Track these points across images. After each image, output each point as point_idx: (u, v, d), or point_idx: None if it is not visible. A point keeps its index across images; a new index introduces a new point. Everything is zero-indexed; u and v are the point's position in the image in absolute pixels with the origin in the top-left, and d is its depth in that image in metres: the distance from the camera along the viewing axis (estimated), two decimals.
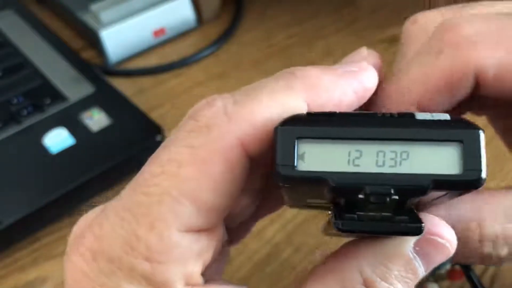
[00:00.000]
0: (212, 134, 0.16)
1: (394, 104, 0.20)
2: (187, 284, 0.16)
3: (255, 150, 0.17)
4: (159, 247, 0.16)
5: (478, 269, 0.38)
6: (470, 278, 0.34)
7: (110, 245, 0.16)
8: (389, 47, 0.56)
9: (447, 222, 0.18)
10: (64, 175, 0.40)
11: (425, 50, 0.20)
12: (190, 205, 0.16)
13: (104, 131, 0.44)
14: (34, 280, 0.37)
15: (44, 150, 0.42)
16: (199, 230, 0.17)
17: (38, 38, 0.53)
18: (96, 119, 0.45)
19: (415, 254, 0.18)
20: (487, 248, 0.19)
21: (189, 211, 0.16)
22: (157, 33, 0.56)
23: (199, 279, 0.17)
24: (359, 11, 0.62)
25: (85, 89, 0.48)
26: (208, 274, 0.18)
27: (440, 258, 0.18)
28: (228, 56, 0.56)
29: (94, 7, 0.54)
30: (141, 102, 0.47)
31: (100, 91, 0.48)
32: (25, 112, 0.45)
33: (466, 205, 0.19)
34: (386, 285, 0.17)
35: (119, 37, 0.54)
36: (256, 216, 0.23)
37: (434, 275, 0.34)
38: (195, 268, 0.17)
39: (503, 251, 0.19)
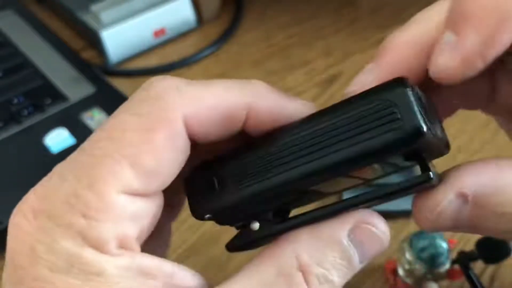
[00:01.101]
0: (159, 104, 0.17)
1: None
2: (120, 246, 0.17)
3: (196, 130, 0.18)
4: (96, 205, 0.16)
5: (477, 268, 0.38)
6: (469, 277, 0.34)
7: (50, 203, 0.17)
8: None
9: (486, 189, 0.18)
10: None
11: None
12: (129, 168, 0.17)
13: None
14: None
15: (44, 150, 0.42)
16: (136, 194, 0.17)
17: (39, 38, 0.53)
18: (96, 119, 0.45)
19: (349, 242, 0.18)
20: None
21: (128, 174, 0.17)
22: (157, 33, 0.56)
23: (133, 242, 0.17)
24: (359, 11, 0.62)
25: (86, 89, 0.48)
26: (148, 249, 0.18)
27: (373, 248, 0.19)
28: (228, 56, 0.56)
29: (94, 7, 0.55)
30: None
31: (100, 91, 0.48)
32: (25, 112, 0.45)
33: (503, 172, 0.18)
34: (322, 270, 0.18)
35: (119, 37, 0.54)
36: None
37: (433, 274, 0.34)
38: (130, 231, 0.17)
39: None
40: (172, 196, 0.22)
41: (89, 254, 0.16)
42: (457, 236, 0.41)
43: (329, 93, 0.52)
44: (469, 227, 0.19)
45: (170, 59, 0.56)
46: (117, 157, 0.17)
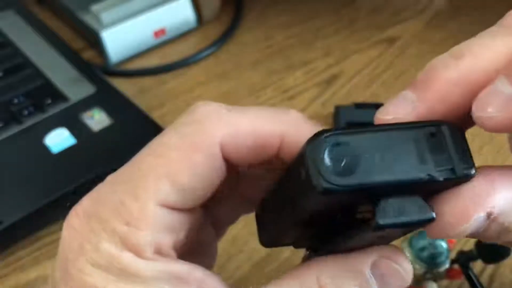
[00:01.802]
0: (200, 128, 0.19)
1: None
2: (156, 252, 0.19)
3: (231, 154, 0.19)
4: (138, 215, 0.18)
5: (477, 268, 0.38)
6: (468, 277, 0.34)
7: (101, 208, 0.19)
8: (388, 48, 0.57)
9: (508, 207, 0.17)
10: (65, 175, 0.41)
11: None
12: (169, 183, 0.19)
13: (105, 131, 0.44)
14: (35, 280, 0.38)
15: (45, 150, 0.42)
16: (173, 207, 0.19)
17: (39, 38, 0.53)
18: (97, 119, 0.45)
19: (371, 274, 0.19)
20: None
21: (167, 189, 0.19)
22: (157, 33, 0.56)
23: (169, 250, 0.19)
24: (359, 12, 0.62)
25: (86, 89, 0.48)
26: (194, 262, 0.20)
27: (395, 283, 0.20)
28: (228, 56, 0.56)
29: (94, 7, 0.55)
30: (142, 102, 0.48)
31: (101, 91, 0.48)
32: (26, 112, 0.45)
33: None
34: None
35: (119, 38, 0.54)
36: (232, 218, 0.26)
37: (433, 274, 0.34)
38: (165, 240, 0.19)
39: None
40: (215, 217, 0.25)
41: (127, 257, 0.18)
42: None
43: (329, 93, 0.52)
44: (483, 238, 0.19)
45: (170, 59, 0.56)
46: (159, 173, 0.19)
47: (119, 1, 0.55)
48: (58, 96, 0.47)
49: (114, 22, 0.54)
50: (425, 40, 0.56)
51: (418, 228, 0.18)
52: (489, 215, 0.17)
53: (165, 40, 0.57)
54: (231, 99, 0.51)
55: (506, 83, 0.17)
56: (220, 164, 0.20)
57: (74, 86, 0.48)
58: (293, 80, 0.53)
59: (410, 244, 0.35)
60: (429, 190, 0.18)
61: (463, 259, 0.34)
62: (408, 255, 0.34)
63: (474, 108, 0.17)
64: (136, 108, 0.46)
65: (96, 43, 0.54)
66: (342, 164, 0.16)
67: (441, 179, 0.17)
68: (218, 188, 0.21)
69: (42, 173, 0.41)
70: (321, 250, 0.21)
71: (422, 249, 0.34)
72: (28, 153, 0.42)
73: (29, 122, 0.44)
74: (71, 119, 0.45)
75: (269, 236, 0.23)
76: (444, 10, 0.61)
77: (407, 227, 0.18)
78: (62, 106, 0.46)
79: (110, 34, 0.54)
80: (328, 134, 0.17)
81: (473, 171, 0.17)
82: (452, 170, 0.17)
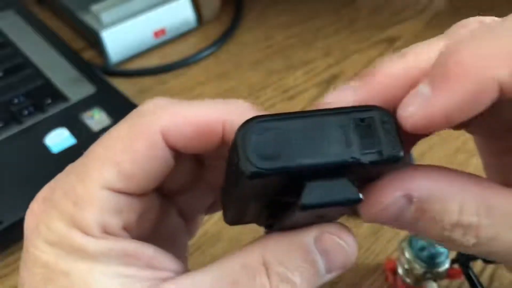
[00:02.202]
0: (143, 118, 0.21)
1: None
2: (104, 232, 0.20)
3: (175, 142, 0.21)
4: (84, 196, 0.20)
5: (476, 268, 0.38)
6: (469, 277, 0.34)
7: (55, 192, 0.21)
8: (388, 48, 0.57)
9: (431, 195, 0.18)
10: None
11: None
12: (112, 169, 0.20)
13: (105, 131, 0.43)
14: None
15: (45, 149, 0.42)
16: (118, 191, 0.20)
17: (39, 38, 0.53)
18: (97, 119, 0.45)
19: (314, 248, 0.20)
20: (456, 234, 0.19)
21: (111, 174, 0.20)
22: (157, 33, 0.56)
23: (117, 231, 0.21)
24: (359, 12, 0.62)
25: (86, 89, 0.48)
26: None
27: (340, 259, 0.20)
28: (228, 56, 0.56)
29: (94, 7, 0.55)
30: (142, 102, 0.47)
31: (101, 91, 0.48)
32: (26, 112, 0.45)
33: (454, 187, 0.19)
34: (283, 269, 0.20)
35: (119, 38, 0.54)
36: (207, 209, 0.27)
37: (433, 273, 0.34)
38: (112, 221, 0.20)
39: (469, 242, 0.19)
40: (182, 206, 0.26)
41: (75, 234, 0.20)
42: None
43: None
44: (409, 228, 0.20)
45: (170, 59, 0.56)
46: (104, 160, 0.20)
47: (119, 1, 0.55)
48: (58, 96, 0.47)
49: (114, 22, 0.54)
50: (425, 40, 0.56)
51: (348, 209, 0.20)
52: (409, 198, 0.18)
53: (165, 40, 0.57)
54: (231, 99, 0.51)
55: (427, 85, 0.18)
56: (163, 153, 0.21)
57: (74, 86, 0.48)
58: (293, 80, 0.53)
59: (410, 244, 0.35)
60: (364, 176, 0.19)
61: (463, 259, 0.34)
62: (408, 255, 0.34)
63: (398, 108, 0.18)
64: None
65: (96, 43, 0.54)
66: (270, 149, 0.17)
67: (366, 161, 0.17)
68: (180, 177, 0.23)
69: (42, 173, 0.41)
70: (274, 229, 0.22)
71: (422, 249, 0.34)
72: (28, 153, 0.42)
73: (29, 122, 0.44)
74: (71, 119, 0.45)
75: (231, 215, 0.23)
76: (444, 10, 0.61)
77: (333, 207, 0.18)
78: (62, 106, 0.46)
79: (110, 34, 0.54)
80: (257, 120, 0.17)
81: (401, 153, 0.18)
82: (380, 152, 0.18)
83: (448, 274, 0.35)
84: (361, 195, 0.18)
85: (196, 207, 0.27)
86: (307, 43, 0.58)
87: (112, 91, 0.48)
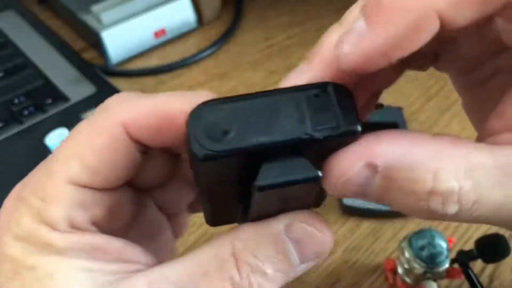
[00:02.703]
0: (105, 112, 0.21)
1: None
2: (71, 226, 0.20)
3: (137, 135, 0.20)
4: (51, 191, 0.20)
5: (476, 267, 0.38)
6: (468, 277, 0.34)
7: (24, 189, 0.21)
8: None
9: (396, 163, 0.17)
10: None
11: None
12: (76, 163, 0.20)
13: None
14: None
15: (45, 149, 0.42)
16: (84, 186, 0.20)
17: (40, 38, 0.53)
18: None
19: (286, 237, 0.19)
20: (434, 204, 0.17)
21: (75, 168, 0.20)
22: (157, 33, 0.56)
23: (85, 225, 0.21)
24: None
25: (86, 89, 0.48)
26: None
27: (313, 248, 0.20)
28: (228, 56, 0.56)
29: (95, 8, 0.55)
30: None
31: (101, 91, 0.48)
32: (26, 112, 0.45)
33: (423, 151, 0.17)
34: (254, 259, 0.19)
35: (120, 38, 0.54)
36: (191, 209, 0.27)
37: (433, 273, 0.34)
38: (79, 215, 0.20)
39: (452, 210, 0.17)
40: (161, 201, 0.26)
41: (43, 229, 0.20)
42: (456, 235, 0.41)
43: None
44: (377, 199, 0.18)
45: (170, 59, 0.56)
46: (68, 154, 0.20)
47: (120, 1, 0.55)
48: (58, 96, 0.47)
49: (114, 22, 0.54)
50: None
51: (313, 188, 0.19)
52: (373, 167, 0.17)
53: (165, 40, 0.57)
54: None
55: (362, 19, 0.16)
56: (126, 146, 0.21)
57: (74, 86, 0.48)
58: None
59: (410, 244, 0.35)
60: (321, 151, 0.18)
61: (463, 259, 0.35)
62: (408, 254, 0.35)
63: (334, 46, 0.17)
64: None
65: (96, 43, 0.55)
66: (221, 130, 0.17)
67: (321, 137, 0.17)
68: (153, 171, 0.23)
69: None
70: (248, 221, 0.21)
71: (422, 248, 0.34)
72: (29, 153, 0.42)
73: (29, 122, 0.45)
74: (71, 119, 0.45)
75: (207, 213, 0.23)
76: None
77: (292, 186, 0.17)
78: (62, 106, 0.46)
79: (110, 34, 0.54)
80: (209, 103, 0.17)
81: (358, 128, 0.17)
82: (335, 127, 0.17)
83: (448, 273, 0.35)
84: (320, 173, 0.17)
85: (175, 202, 0.26)
86: (307, 43, 0.57)
87: (112, 91, 0.48)
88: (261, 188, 0.17)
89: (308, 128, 0.17)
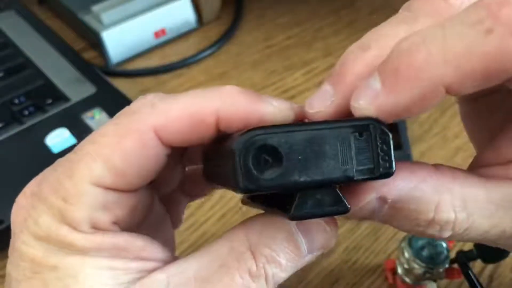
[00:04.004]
0: (133, 117, 0.21)
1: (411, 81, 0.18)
2: (93, 227, 0.20)
3: (169, 139, 0.21)
4: (73, 192, 0.20)
5: (476, 268, 0.38)
6: (468, 277, 0.34)
7: (43, 187, 0.21)
8: None
9: (405, 196, 0.19)
10: None
11: (461, 22, 0.17)
12: (102, 165, 0.20)
13: None
14: None
15: (46, 149, 0.42)
16: (108, 188, 0.20)
17: (40, 38, 0.53)
18: (97, 119, 0.45)
19: (297, 230, 0.21)
20: (432, 230, 0.20)
21: (100, 170, 0.20)
22: (157, 34, 0.56)
23: (107, 226, 0.21)
24: (358, 13, 0.62)
25: (87, 89, 0.48)
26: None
27: (320, 240, 0.21)
28: (228, 56, 0.56)
29: (95, 8, 0.55)
30: None
31: (101, 91, 0.48)
32: (26, 112, 0.45)
33: (428, 186, 0.19)
34: (269, 250, 0.20)
35: (120, 38, 0.54)
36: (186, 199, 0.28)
37: (432, 273, 0.34)
38: (102, 217, 0.20)
39: (446, 235, 0.20)
40: (165, 195, 0.26)
41: (64, 230, 0.20)
42: None
43: None
44: (384, 222, 0.21)
45: (170, 59, 0.56)
46: (94, 156, 0.20)
47: (120, 1, 0.55)
48: (58, 96, 0.47)
49: (114, 23, 0.54)
50: None
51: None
52: (383, 199, 0.19)
53: (165, 41, 0.57)
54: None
55: (377, 79, 0.18)
56: (155, 151, 0.21)
57: (74, 86, 0.48)
58: (293, 80, 0.53)
59: (410, 244, 0.35)
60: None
61: (463, 259, 0.35)
62: (407, 254, 0.35)
63: (351, 98, 0.19)
64: None
65: (96, 43, 0.55)
66: (265, 165, 0.17)
67: (360, 178, 0.18)
68: (168, 167, 0.23)
69: None
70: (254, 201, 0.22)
71: (422, 248, 0.34)
72: (29, 153, 0.42)
73: (30, 122, 0.45)
74: (72, 119, 0.45)
75: (207, 171, 0.23)
76: None
77: (321, 217, 0.19)
78: (62, 106, 0.46)
79: (110, 34, 0.54)
80: (257, 133, 0.17)
81: (393, 170, 0.18)
82: (374, 169, 0.18)
83: (448, 273, 0.35)
84: (348, 206, 0.18)
85: (170, 184, 0.26)
86: (307, 44, 0.58)
87: (112, 91, 0.48)
88: (294, 218, 0.18)
89: (349, 170, 0.18)
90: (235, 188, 0.17)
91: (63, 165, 0.21)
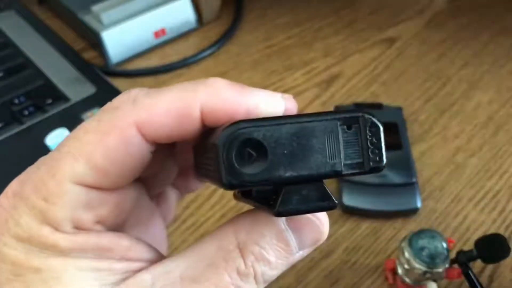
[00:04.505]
0: (115, 113, 0.20)
1: None
2: (76, 227, 0.20)
3: (153, 135, 0.20)
4: (55, 191, 0.19)
5: (476, 268, 0.38)
6: (468, 277, 0.34)
7: (24, 187, 0.20)
8: (387, 48, 0.57)
9: None
10: None
11: None
12: (84, 164, 0.19)
13: None
14: None
15: (46, 149, 0.42)
16: (90, 186, 0.20)
17: (40, 39, 0.53)
18: None
19: (286, 226, 0.20)
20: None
21: (82, 168, 0.19)
22: (157, 34, 0.56)
23: (91, 226, 0.20)
24: (358, 13, 0.62)
25: (87, 89, 0.48)
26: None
27: (311, 236, 0.20)
28: (228, 56, 0.56)
29: (95, 8, 0.55)
30: None
31: (101, 91, 0.48)
32: (26, 112, 0.45)
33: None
34: (258, 248, 0.20)
35: (120, 38, 0.54)
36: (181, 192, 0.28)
37: (432, 273, 0.34)
38: (84, 216, 0.20)
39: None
40: (154, 191, 0.26)
41: (46, 230, 0.19)
42: (456, 235, 0.41)
43: (329, 93, 0.52)
44: None
45: (170, 59, 0.56)
46: (75, 153, 0.20)
47: (120, 1, 0.55)
48: (58, 96, 0.47)
49: (114, 23, 0.54)
50: (425, 40, 0.56)
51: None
52: None
53: (165, 40, 0.57)
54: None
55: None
56: (139, 148, 0.20)
57: (74, 86, 0.48)
58: (293, 80, 0.53)
59: (410, 244, 0.35)
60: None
61: (463, 259, 0.35)
62: (407, 255, 0.35)
63: None
64: None
65: (96, 43, 0.55)
66: (249, 159, 0.17)
67: (348, 173, 0.17)
68: (153, 164, 0.22)
69: None
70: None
71: (422, 249, 0.34)
72: (29, 153, 0.42)
73: (30, 122, 0.45)
74: (71, 119, 0.45)
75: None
76: (444, 10, 0.61)
77: (308, 213, 0.18)
78: (62, 106, 0.46)
79: (110, 34, 0.54)
80: (241, 123, 0.17)
81: (383, 164, 0.17)
82: (363, 164, 0.17)
83: (448, 274, 0.35)
84: (336, 202, 0.18)
85: (162, 182, 0.26)
86: (307, 44, 0.58)
87: (112, 91, 0.48)
88: (280, 214, 0.18)
89: (337, 164, 0.17)
90: (219, 183, 0.17)
91: (46, 163, 0.20)
